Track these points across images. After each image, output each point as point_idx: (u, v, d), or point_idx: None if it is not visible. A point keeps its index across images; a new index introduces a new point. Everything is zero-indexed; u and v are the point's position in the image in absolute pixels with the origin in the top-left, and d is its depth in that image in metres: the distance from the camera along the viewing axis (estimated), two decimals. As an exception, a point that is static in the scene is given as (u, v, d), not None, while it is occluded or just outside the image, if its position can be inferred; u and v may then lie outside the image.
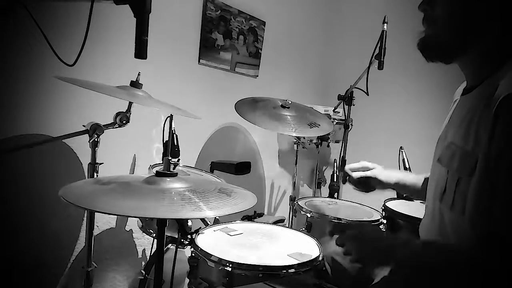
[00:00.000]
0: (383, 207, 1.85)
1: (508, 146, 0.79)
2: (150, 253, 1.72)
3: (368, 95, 2.05)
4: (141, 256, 2.04)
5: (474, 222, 0.87)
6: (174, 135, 1.61)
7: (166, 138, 1.62)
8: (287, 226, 2.13)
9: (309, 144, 2.69)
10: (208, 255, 1.20)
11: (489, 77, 0.92)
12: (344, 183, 1.46)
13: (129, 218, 1.94)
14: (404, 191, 1.52)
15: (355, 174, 1.39)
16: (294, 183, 2.30)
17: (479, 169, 0.85)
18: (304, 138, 2.52)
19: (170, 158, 1.08)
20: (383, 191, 1.47)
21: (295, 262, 1.20)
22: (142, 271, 1.60)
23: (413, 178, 1.39)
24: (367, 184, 1.39)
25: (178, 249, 1.30)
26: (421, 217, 1.18)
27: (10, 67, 1.50)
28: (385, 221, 1.76)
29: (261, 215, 2.08)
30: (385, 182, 1.37)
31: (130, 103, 1.44)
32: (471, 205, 0.88)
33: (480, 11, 0.92)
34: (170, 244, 1.58)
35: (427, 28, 1.00)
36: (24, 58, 1.52)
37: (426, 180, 1.32)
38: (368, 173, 1.37)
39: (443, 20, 0.96)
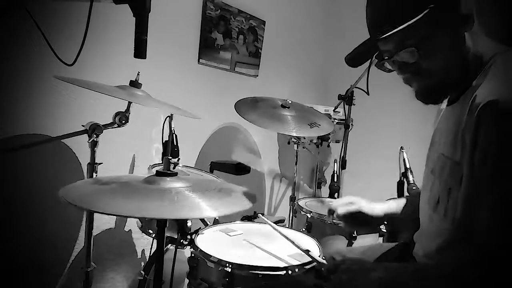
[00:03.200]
0: (383, 207, 1.84)
1: (490, 152, 0.79)
2: (150, 253, 1.72)
3: (368, 94, 2.04)
4: (140, 257, 2.03)
5: (461, 230, 0.88)
6: (174, 135, 1.61)
7: (165, 138, 1.62)
8: (287, 226, 2.12)
9: (309, 144, 2.69)
10: (207, 256, 1.19)
11: (469, 85, 0.93)
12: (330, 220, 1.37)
13: (128, 218, 1.94)
14: (394, 223, 1.43)
15: (340, 210, 1.30)
16: (294, 183, 2.29)
17: (465, 178, 0.86)
18: (304, 138, 2.52)
19: (169, 158, 1.07)
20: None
21: (295, 262, 1.20)
22: (142, 271, 1.59)
23: (395, 205, 1.32)
24: (355, 221, 1.30)
25: (178, 249, 1.29)
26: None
27: (9, 67, 1.50)
28: (385, 222, 1.75)
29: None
30: (371, 214, 1.28)
31: (130, 103, 1.44)
32: (459, 215, 0.89)
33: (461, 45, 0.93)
34: (169, 245, 1.57)
35: (419, 81, 0.98)
36: (23, 58, 1.51)
37: (407, 202, 1.29)
38: (352, 208, 1.29)
39: (437, 71, 0.95)
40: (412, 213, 1.21)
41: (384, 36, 0.91)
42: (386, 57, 0.99)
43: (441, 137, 1.04)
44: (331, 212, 1.33)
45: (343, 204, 1.31)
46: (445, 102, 1.08)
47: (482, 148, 0.81)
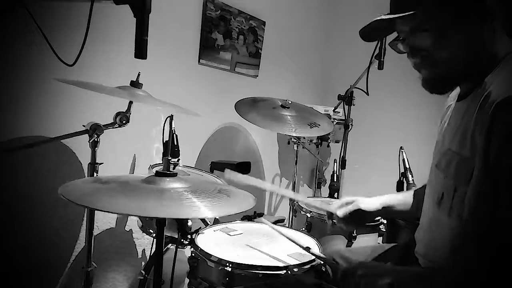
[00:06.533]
0: (383, 207, 1.84)
1: (507, 149, 0.78)
2: (150, 253, 1.72)
3: (368, 95, 2.05)
4: (141, 256, 2.04)
5: (471, 228, 0.87)
6: (174, 135, 1.61)
7: (166, 138, 1.62)
8: (287, 226, 2.13)
9: (309, 144, 2.69)
10: (208, 255, 1.20)
11: (481, 82, 0.91)
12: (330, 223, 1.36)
13: (129, 218, 1.94)
14: (394, 215, 1.43)
15: (339, 213, 1.28)
16: (294, 183, 2.29)
17: (477, 175, 0.85)
18: (304, 138, 2.52)
19: (170, 158, 1.08)
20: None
21: (295, 262, 1.20)
22: (142, 271, 1.60)
23: (400, 198, 1.32)
24: (354, 220, 1.29)
25: (178, 249, 1.30)
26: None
27: (10, 68, 1.50)
28: (385, 221, 1.76)
29: (261, 215, 2.07)
30: (368, 210, 1.27)
31: (130, 103, 1.44)
32: (469, 211, 0.87)
33: (480, 39, 0.91)
34: (170, 244, 1.58)
35: (428, 68, 0.96)
36: (24, 59, 1.51)
37: (417, 193, 1.28)
38: (350, 208, 1.27)
39: (448, 60, 0.93)
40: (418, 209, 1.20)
41: (406, 14, 0.88)
42: (401, 38, 0.97)
43: (448, 132, 1.02)
44: (331, 215, 1.32)
45: (341, 205, 1.30)
46: (454, 97, 1.07)
47: (497, 145, 0.79)
